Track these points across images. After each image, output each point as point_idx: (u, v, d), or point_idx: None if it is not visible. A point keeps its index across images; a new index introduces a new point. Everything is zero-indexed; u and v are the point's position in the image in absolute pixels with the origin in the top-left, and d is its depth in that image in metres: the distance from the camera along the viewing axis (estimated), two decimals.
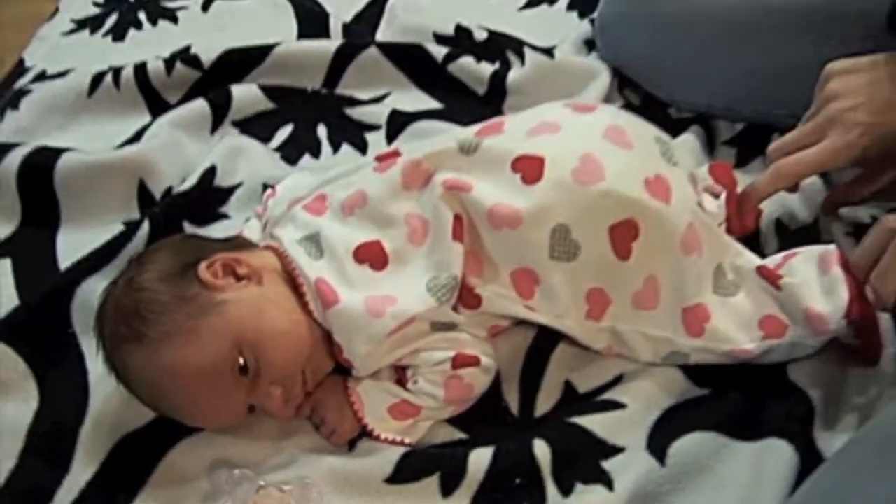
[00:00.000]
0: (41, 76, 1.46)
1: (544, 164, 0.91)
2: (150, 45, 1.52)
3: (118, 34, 1.56)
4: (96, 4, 1.65)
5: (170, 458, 0.92)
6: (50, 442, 0.95)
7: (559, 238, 0.90)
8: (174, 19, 1.59)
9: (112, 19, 1.60)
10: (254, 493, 0.86)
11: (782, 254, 0.95)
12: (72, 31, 1.59)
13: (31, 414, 0.97)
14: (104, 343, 0.92)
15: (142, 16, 1.60)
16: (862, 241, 0.89)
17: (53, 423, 0.96)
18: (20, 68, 1.50)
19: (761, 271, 0.93)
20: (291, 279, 0.93)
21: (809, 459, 0.84)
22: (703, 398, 0.92)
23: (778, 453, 0.85)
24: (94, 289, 1.04)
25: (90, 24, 1.60)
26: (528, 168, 0.92)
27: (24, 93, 1.39)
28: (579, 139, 0.94)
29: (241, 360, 0.88)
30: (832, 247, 0.93)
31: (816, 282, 0.91)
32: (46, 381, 1.00)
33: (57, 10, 1.65)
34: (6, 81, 1.48)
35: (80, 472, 0.92)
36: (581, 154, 0.92)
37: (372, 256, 0.92)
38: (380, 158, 1.00)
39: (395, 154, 0.98)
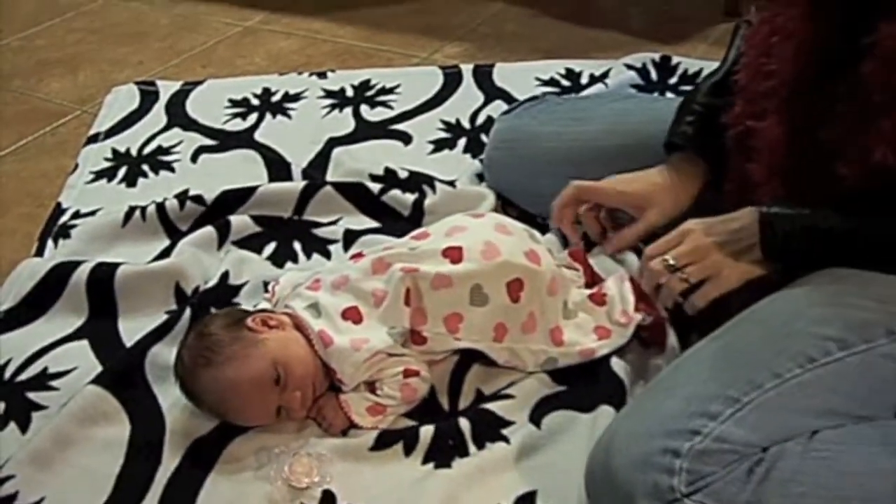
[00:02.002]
0: (77, 214, 1.84)
1: (462, 250, 1.30)
2: (155, 188, 1.90)
3: (130, 182, 1.96)
4: (107, 160, 2.03)
5: (229, 449, 1.27)
6: (144, 449, 1.28)
7: (475, 292, 1.28)
8: (172, 169, 1.98)
9: (122, 171, 1.99)
10: (290, 459, 1.21)
11: (600, 284, 1.39)
12: (92, 181, 1.97)
13: (126, 433, 1.30)
14: (183, 375, 1.28)
15: (145, 167, 1.99)
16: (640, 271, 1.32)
17: (144, 437, 1.29)
18: (59, 209, 1.88)
19: (592, 297, 1.36)
20: (301, 330, 1.30)
21: None
22: (561, 391, 1.29)
23: (606, 415, 1.21)
24: (159, 352, 1.40)
25: (106, 174, 1.99)
26: (453, 254, 1.30)
27: (70, 226, 1.78)
28: (481, 233, 1.33)
29: (276, 374, 1.23)
30: (622, 270, 1.38)
31: (618, 291, 1.35)
32: (134, 412, 1.33)
33: (77, 165, 2.04)
34: (51, 218, 1.86)
35: (169, 464, 1.25)
36: (484, 241, 1.31)
37: (353, 315, 1.30)
38: (353, 257, 1.41)
39: (361, 255, 1.40)
